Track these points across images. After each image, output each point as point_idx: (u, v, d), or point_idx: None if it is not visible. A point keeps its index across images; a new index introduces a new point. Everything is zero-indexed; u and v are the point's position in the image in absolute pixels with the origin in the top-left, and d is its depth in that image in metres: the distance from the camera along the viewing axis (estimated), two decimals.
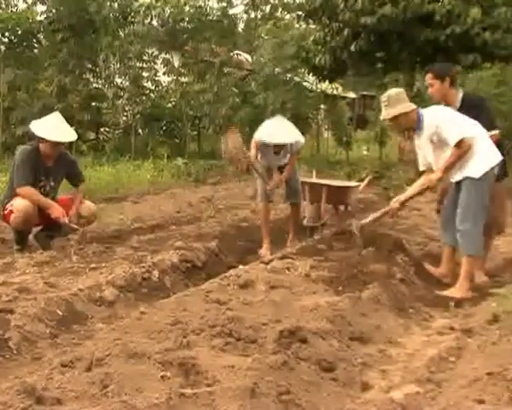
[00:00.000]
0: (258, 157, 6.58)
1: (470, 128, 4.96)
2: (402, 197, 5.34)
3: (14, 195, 5.96)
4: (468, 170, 4.93)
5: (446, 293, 4.93)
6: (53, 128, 6.07)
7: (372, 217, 5.72)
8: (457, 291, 4.92)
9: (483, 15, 11.67)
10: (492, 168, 4.97)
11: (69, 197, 6.46)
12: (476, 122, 5.02)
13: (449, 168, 4.98)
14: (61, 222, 5.97)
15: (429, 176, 5.12)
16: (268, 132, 6.40)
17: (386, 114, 5.17)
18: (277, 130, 6.43)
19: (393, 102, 5.11)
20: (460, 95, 5.45)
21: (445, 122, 4.96)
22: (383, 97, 5.21)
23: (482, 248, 5.13)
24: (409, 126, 5.24)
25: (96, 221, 6.62)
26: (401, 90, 5.32)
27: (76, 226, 6.10)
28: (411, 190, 5.34)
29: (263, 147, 6.48)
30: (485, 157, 4.93)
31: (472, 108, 5.23)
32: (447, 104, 5.43)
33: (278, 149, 6.45)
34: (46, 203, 5.98)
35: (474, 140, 4.90)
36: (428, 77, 5.52)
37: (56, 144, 6.05)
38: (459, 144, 4.86)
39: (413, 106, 5.15)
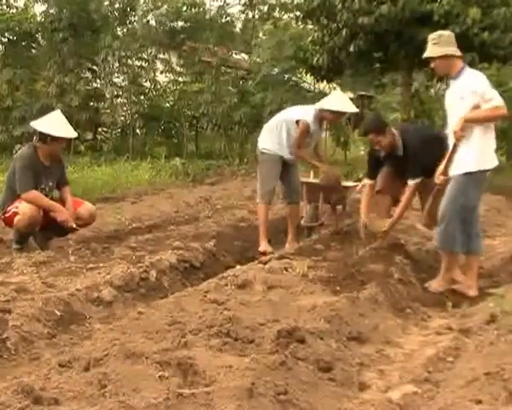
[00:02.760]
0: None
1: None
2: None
3: (16, 197, 5.95)
4: (461, 162, 4.86)
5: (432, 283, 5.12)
6: (63, 126, 6.15)
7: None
8: (438, 283, 5.12)
9: (482, 16, 11.67)
10: (483, 171, 4.89)
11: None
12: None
13: (473, 120, 4.80)
14: (68, 226, 5.99)
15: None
16: (340, 103, 6.58)
17: (435, 51, 4.96)
18: (346, 100, 6.74)
19: (444, 41, 4.97)
20: (400, 141, 5.59)
21: (488, 86, 4.85)
22: (433, 35, 5.02)
23: (459, 245, 5.04)
24: (447, 72, 5.07)
25: (94, 222, 6.61)
26: (452, 33, 5.15)
27: (78, 227, 6.11)
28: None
29: (314, 126, 6.53)
30: (480, 156, 4.84)
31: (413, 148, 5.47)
32: (392, 151, 5.57)
33: (337, 119, 7.03)
34: (52, 206, 5.99)
35: (483, 134, 4.85)
36: (372, 138, 5.61)
37: (63, 142, 6.15)
38: (497, 108, 4.78)
39: (459, 53, 5.01)
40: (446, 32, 5.16)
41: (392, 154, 5.65)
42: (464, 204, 4.91)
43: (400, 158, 5.63)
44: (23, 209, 5.84)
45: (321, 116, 6.57)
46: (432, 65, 5.10)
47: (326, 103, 6.55)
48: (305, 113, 6.60)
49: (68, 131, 6.24)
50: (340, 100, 6.66)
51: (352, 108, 6.75)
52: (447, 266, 5.13)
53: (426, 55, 5.06)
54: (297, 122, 6.50)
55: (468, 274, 5.14)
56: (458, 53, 5.00)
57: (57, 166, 6.31)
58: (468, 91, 4.82)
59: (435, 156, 5.36)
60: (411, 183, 5.52)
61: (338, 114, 6.64)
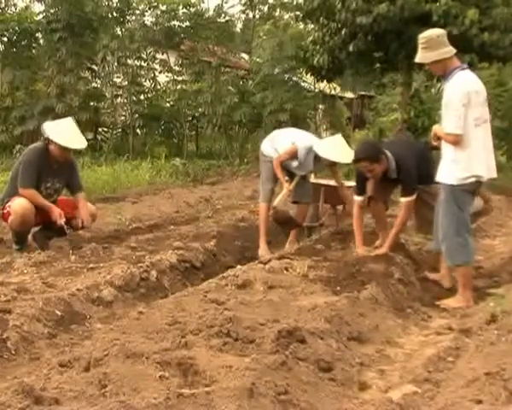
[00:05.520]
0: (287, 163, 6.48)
1: (473, 130, 4.68)
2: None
3: (15, 194, 5.95)
4: (446, 173, 4.78)
5: (447, 302, 4.83)
6: (65, 133, 6.06)
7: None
8: (458, 301, 4.78)
9: (481, 16, 11.65)
10: (466, 185, 4.71)
11: (69, 198, 6.44)
12: (486, 120, 4.81)
13: (438, 136, 4.82)
14: (58, 225, 5.97)
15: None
16: (335, 152, 6.36)
17: (423, 57, 4.79)
18: (343, 149, 6.46)
19: (434, 45, 4.72)
20: (393, 163, 5.52)
21: (454, 107, 4.66)
22: (422, 38, 4.79)
23: (471, 255, 4.91)
24: (441, 74, 4.94)
25: (94, 222, 6.60)
26: (443, 32, 4.88)
27: (68, 231, 6.08)
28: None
29: (306, 158, 6.39)
30: (462, 170, 4.69)
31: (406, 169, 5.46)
32: (386, 174, 5.53)
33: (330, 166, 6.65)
34: (46, 207, 5.98)
35: (467, 143, 4.65)
36: (366, 166, 5.46)
37: (65, 149, 6.03)
38: (447, 135, 4.69)
39: (453, 51, 4.77)
40: (435, 33, 4.83)
41: (385, 177, 5.59)
42: (462, 213, 4.76)
43: (393, 180, 5.63)
44: (14, 209, 5.84)
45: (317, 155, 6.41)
46: (426, 66, 5.05)
47: (321, 148, 6.36)
48: (304, 141, 6.50)
49: (71, 141, 6.10)
50: (336, 149, 6.42)
51: (344, 160, 6.48)
52: (464, 282, 4.81)
53: (416, 60, 4.91)
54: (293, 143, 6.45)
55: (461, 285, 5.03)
56: (448, 54, 4.76)
57: (67, 169, 6.22)
58: (446, 97, 4.76)
59: (426, 167, 5.50)
60: (405, 200, 5.47)
61: (330, 161, 6.45)
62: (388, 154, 5.53)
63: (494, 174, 4.87)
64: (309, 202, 6.79)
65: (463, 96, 4.66)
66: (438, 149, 5.07)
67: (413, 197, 5.45)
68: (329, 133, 20.09)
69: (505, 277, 5.37)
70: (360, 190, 5.78)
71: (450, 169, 4.75)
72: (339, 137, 6.68)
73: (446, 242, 4.83)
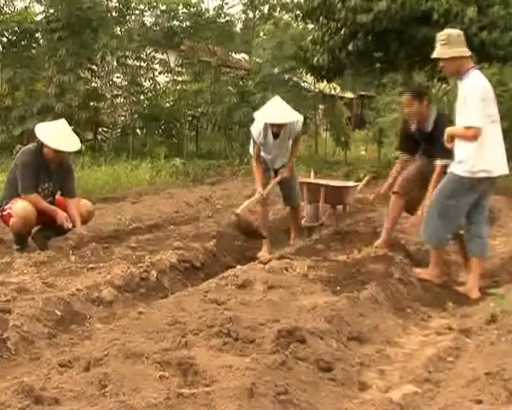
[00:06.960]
0: (262, 154, 6.44)
1: (488, 125, 4.76)
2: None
3: (13, 196, 5.94)
4: (456, 164, 4.87)
5: (421, 271, 5.24)
6: (56, 136, 6.01)
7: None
8: (427, 273, 5.18)
9: (480, 15, 11.64)
10: (474, 179, 4.80)
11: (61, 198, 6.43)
12: (498, 118, 4.91)
13: (454, 135, 4.89)
14: (65, 228, 5.97)
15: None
16: (267, 114, 6.31)
17: (442, 53, 4.89)
18: (275, 110, 6.33)
19: (453, 42, 4.86)
20: (433, 115, 5.57)
21: (474, 101, 4.74)
22: (442, 35, 4.92)
23: (443, 241, 5.17)
24: (455, 73, 5.01)
25: (91, 220, 6.58)
26: (461, 32, 5.04)
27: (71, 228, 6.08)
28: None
29: (262, 136, 6.32)
30: (473, 163, 4.77)
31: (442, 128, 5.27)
32: (421, 123, 5.57)
33: (277, 129, 6.28)
34: (51, 211, 5.97)
35: (482, 138, 4.71)
36: (407, 99, 5.58)
37: (58, 152, 5.98)
38: (468, 129, 4.75)
39: (468, 53, 4.92)
40: (455, 32, 5.02)
41: (421, 129, 5.61)
42: (445, 202, 4.93)
43: (428, 135, 5.57)
44: (16, 211, 5.83)
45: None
46: (441, 64, 5.07)
47: (257, 114, 6.35)
48: (255, 124, 6.48)
49: (64, 144, 6.02)
50: (270, 110, 6.33)
51: (279, 120, 6.20)
52: (434, 260, 5.19)
53: (435, 55, 4.99)
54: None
55: (470, 275, 5.13)
56: (467, 53, 4.91)
57: (63, 173, 6.21)
58: (462, 100, 4.83)
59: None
60: (440, 163, 5.37)
61: (271, 125, 6.26)
62: (434, 107, 5.62)
63: (506, 170, 4.99)
64: (292, 205, 6.74)
65: (481, 92, 4.80)
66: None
67: (448, 162, 5.19)
68: (329, 133, 20.12)
69: (505, 277, 5.37)
70: (402, 145, 6.00)
71: (461, 162, 4.83)
72: (276, 98, 6.55)
73: (428, 218, 5.09)
